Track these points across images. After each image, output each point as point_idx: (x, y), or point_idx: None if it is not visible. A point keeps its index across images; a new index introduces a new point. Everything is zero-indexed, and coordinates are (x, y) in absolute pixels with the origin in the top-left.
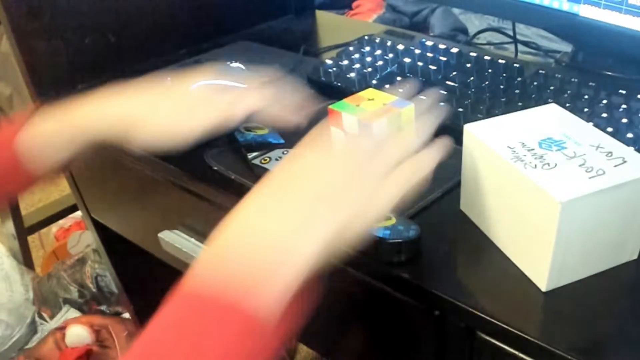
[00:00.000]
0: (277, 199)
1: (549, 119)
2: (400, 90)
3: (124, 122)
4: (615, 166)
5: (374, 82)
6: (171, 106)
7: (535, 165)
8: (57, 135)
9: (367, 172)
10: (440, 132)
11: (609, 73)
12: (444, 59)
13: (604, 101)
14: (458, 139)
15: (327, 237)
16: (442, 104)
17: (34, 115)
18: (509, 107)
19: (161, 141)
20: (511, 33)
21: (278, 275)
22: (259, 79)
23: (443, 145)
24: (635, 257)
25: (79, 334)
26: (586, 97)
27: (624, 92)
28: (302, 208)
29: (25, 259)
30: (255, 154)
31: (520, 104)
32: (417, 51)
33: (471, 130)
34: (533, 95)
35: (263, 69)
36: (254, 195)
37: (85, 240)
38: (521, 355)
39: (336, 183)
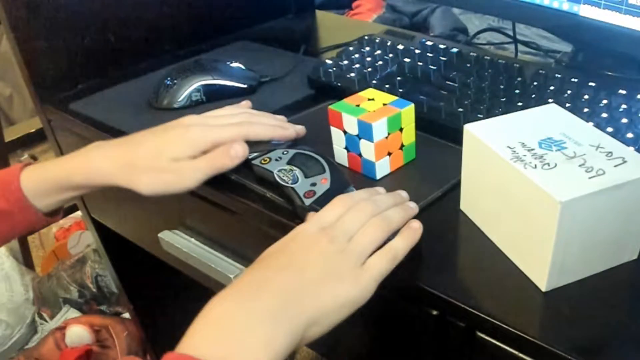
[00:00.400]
0: (255, 293)
1: (549, 118)
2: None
3: (123, 176)
4: (615, 166)
5: (374, 82)
6: (152, 178)
7: (535, 165)
8: (65, 179)
9: (343, 265)
10: (440, 132)
11: (609, 73)
12: (444, 59)
13: (604, 101)
14: (458, 138)
15: (297, 331)
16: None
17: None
18: (509, 107)
19: (162, 192)
20: (511, 33)
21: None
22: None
23: (415, 230)
24: (635, 257)
25: (79, 334)
26: (586, 97)
27: (624, 92)
28: (274, 305)
29: (25, 259)
30: (255, 154)
31: (520, 104)
32: (417, 51)
33: (471, 130)
34: (533, 95)
35: (263, 69)
36: (243, 277)
37: (85, 240)
38: (521, 355)
39: (313, 278)
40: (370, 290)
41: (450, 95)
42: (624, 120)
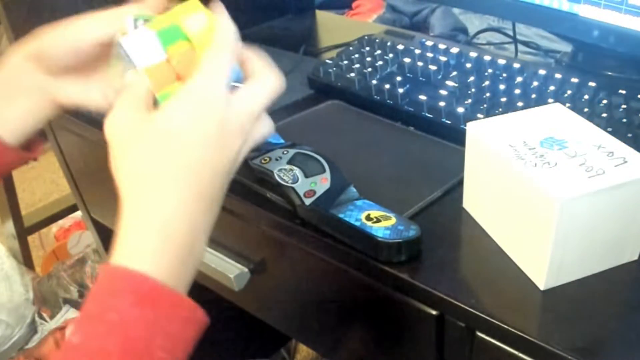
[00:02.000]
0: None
1: (553, 118)
2: None
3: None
4: (615, 166)
5: (374, 82)
6: None
7: (536, 164)
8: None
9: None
10: (440, 132)
11: (609, 73)
12: (444, 59)
13: (604, 101)
14: (458, 138)
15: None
16: None
17: None
18: (509, 107)
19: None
20: (511, 33)
21: (192, 269)
22: None
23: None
24: (635, 257)
25: None
26: (586, 97)
27: (624, 92)
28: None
29: (25, 259)
30: (255, 153)
31: (520, 104)
32: (417, 51)
33: (474, 129)
34: (533, 95)
35: None
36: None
37: (85, 240)
38: (520, 355)
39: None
40: None
41: (450, 95)
42: (624, 120)
